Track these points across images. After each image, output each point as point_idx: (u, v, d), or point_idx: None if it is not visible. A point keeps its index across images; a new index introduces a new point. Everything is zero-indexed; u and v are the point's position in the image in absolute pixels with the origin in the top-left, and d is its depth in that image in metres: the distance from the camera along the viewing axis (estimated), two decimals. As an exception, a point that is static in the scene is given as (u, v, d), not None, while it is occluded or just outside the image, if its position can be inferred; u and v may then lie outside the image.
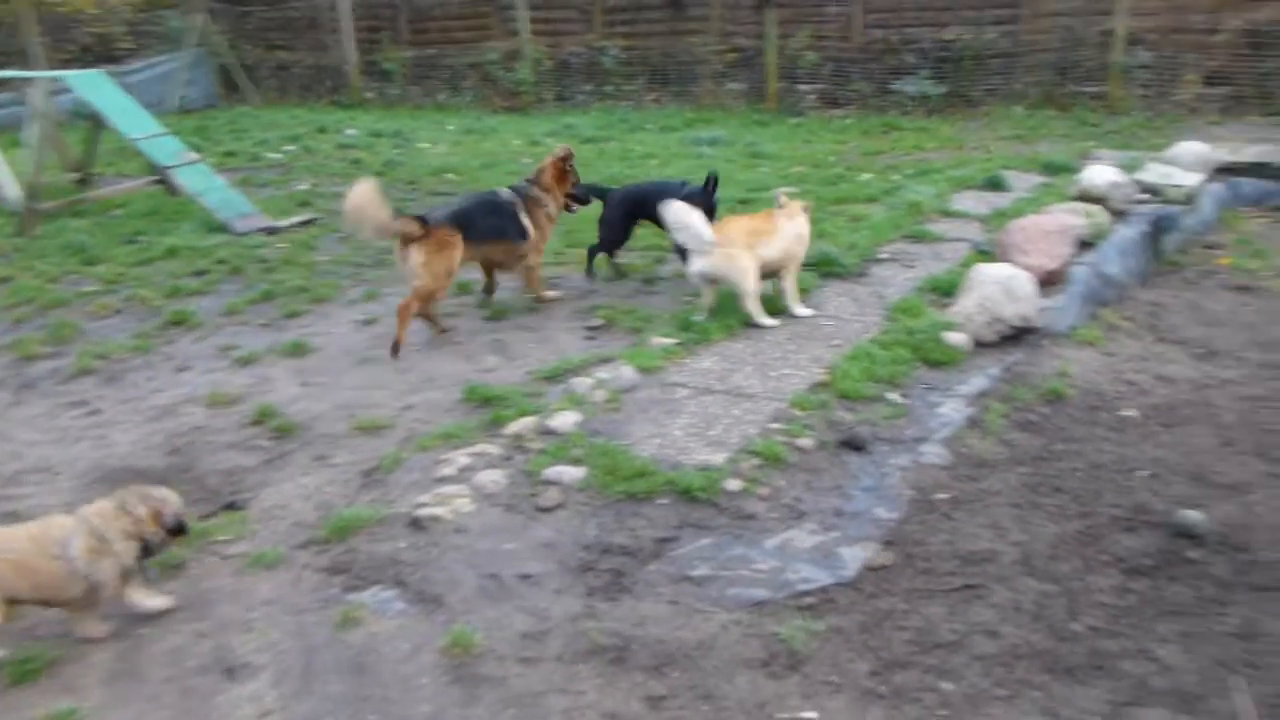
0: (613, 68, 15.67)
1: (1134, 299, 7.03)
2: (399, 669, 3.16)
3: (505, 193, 6.33)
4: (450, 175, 10.84)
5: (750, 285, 5.65)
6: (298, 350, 5.92)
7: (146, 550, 3.41)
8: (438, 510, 3.97)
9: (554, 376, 5.22)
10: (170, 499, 3.49)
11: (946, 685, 3.00)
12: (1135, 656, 3.10)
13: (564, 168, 6.43)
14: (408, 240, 5.79)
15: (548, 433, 4.52)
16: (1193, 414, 5.12)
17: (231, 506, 4.20)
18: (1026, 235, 6.51)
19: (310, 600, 3.55)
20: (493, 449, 4.44)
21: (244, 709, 3.03)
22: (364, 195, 5.61)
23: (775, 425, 4.47)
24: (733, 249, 5.59)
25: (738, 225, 5.76)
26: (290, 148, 13.13)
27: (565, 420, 4.56)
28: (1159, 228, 7.94)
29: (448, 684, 3.08)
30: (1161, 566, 3.57)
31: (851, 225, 7.56)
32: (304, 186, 10.74)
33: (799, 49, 14.15)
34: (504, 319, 6.35)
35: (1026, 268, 6.34)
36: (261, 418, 5.03)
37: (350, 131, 14.04)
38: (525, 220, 6.23)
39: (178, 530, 3.47)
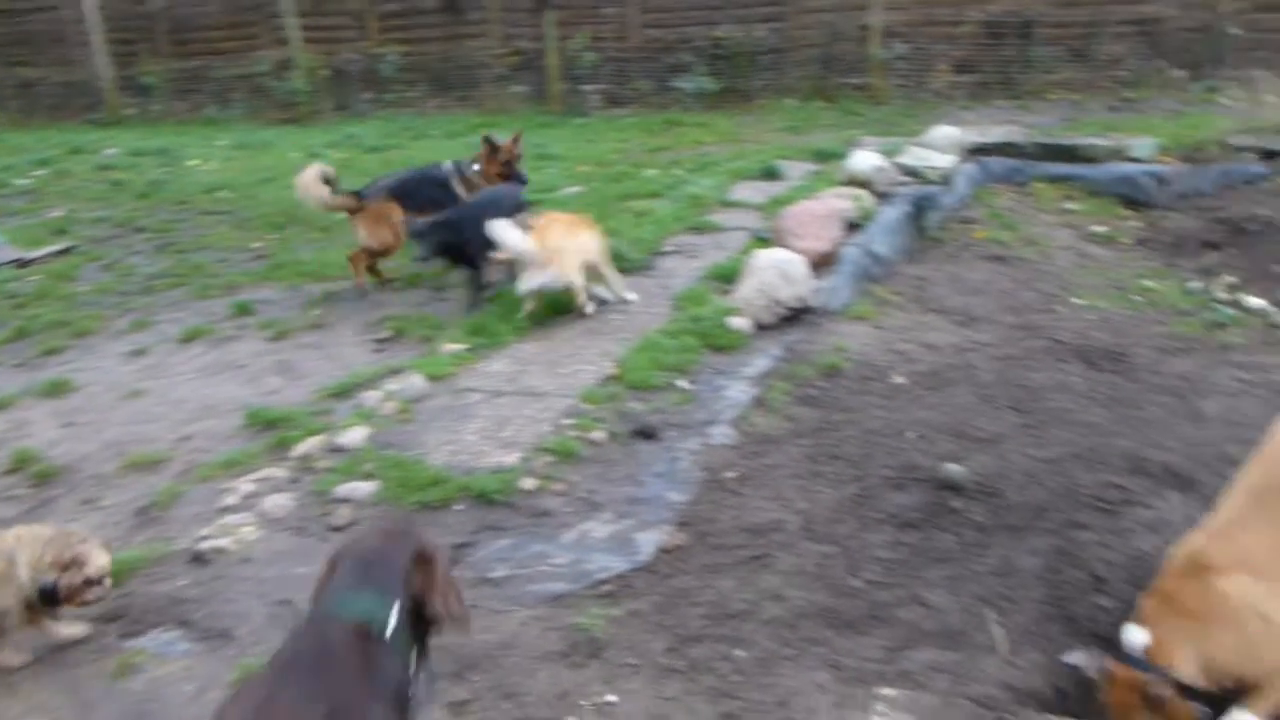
0: (392, 74, 15.33)
1: (901, 274, 7.51)
2: (184, 712, 3.00)
3: (447, 166, 6.97)
4: (224, 193, 10.33)
5: (581, 281, 5.81)
6: (58, 389, 5.49)
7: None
8: (221, 542, 3.79)
9: (342, 393, 5.07)
10: (78, 560, 3.15)
11: (739, 652, 3.13)
12: (908, 604, 3.33)
13: (491, 147, 6.93)
14: (351, 213, 6.68)
15: (337, 450, 4.39)
16: (955, 376, 5.53)
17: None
18: (799, 220, 6.85)
19: (83, 652, 3.31)
20: (279, 473, 4.28)
21: (9, 778, 2.80)
22: (308, 176, 6.59)
23: (567, 421, 4.52)
24: (562, 255, 5.63)
25: (558, 227, 5.78)
26: (41, 172, 12.13)
27: (355, 436, 4.45)
28: (920, 207, 8.51)
29: (238, 720, 2.95)
30: (929, 518, 3.85)
31: (637, 221, 7.72)
32: (59, 213, 9.95)
33: (579, 50, 14.30)
34: (287, 338, 6.11)
35: (801, 251, 6.67)
36: (19, 464, 4.65)
37: (109, 151, 13.11)
38: (460, 192, 6.80)
39: (44, 594, 3.13)
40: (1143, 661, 2.69)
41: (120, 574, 3.65)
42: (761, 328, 5.78)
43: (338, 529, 3.86)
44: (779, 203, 7.79)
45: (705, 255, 6.91)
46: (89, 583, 3.18)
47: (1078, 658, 2.87)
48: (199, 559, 3.73)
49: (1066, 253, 8.56)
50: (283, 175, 10.94)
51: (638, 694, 2.96)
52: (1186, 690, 2.67)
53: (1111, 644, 3.04)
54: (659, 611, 3.35)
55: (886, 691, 2.83)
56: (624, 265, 6.68)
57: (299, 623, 2.34)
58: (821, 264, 6.71)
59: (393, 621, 2.15)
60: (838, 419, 4.81)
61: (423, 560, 2.28)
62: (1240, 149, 9.45)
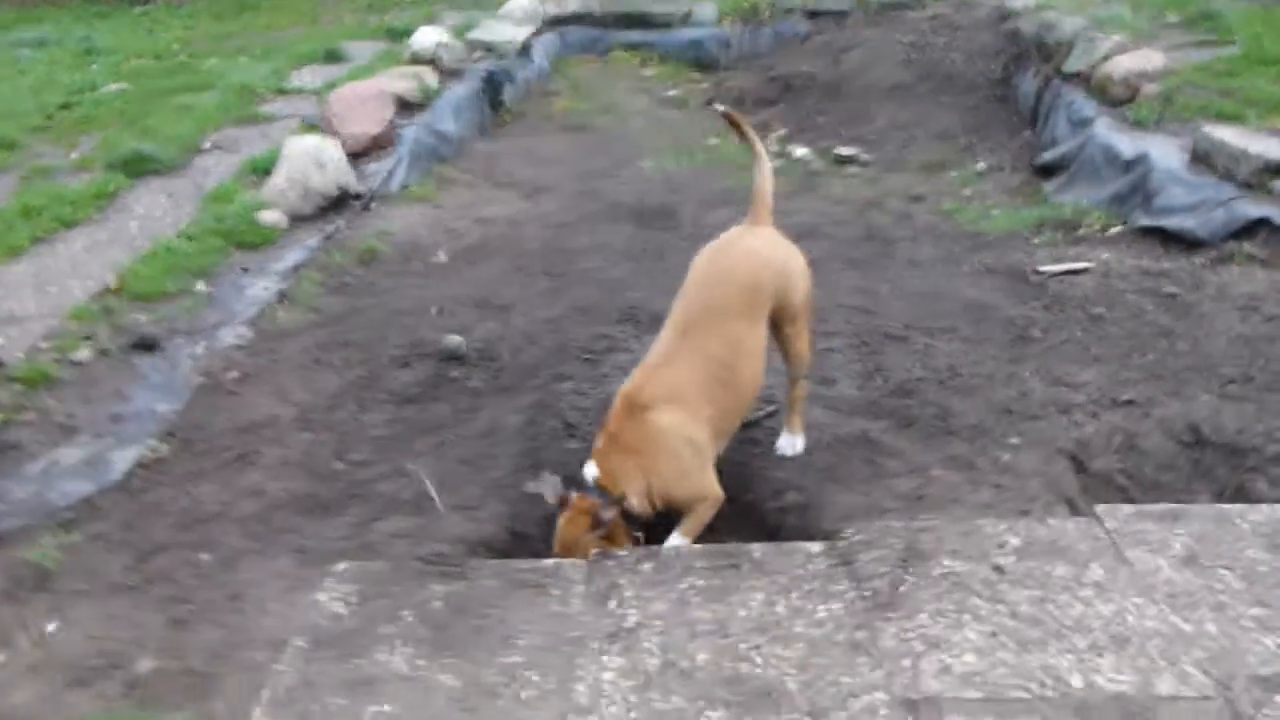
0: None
1: (474, 151, 7.47)
2: None
3: None
4: None
5: None
6: None
7: None
8: None
9: None
10: None
11: (204, 556, 3.03)
12: (389, 478, 3.37)
13: None
14: None
15: None
16: (500, 248, 5.60)
17: None
18: (346, 104, 6.57)
19: None
20: None
21: None
22: None
23: (45, 344, 4.09)
24: None
25: None
26: None
27: None
28: (494, 82, 8.46)
29: None
30: (428, 391, 3.90)
31: (178, 116, 7.08)
32: None
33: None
34: None
35: (349, 135, 6.43)
36: None
37: None
38: None
39: None
40: (595, 491, 2.86)
41: None
42: (298, 219, 5.53)
43: None
44: (335, 87, 7.43)
45: (248, 148, 6.47)
46: None
47: (536, 485, 2.96)
48: None
49: (641, 118, 8.89)
50: None
51: (82, 619, 2.79)
52: (628, 516, 2.89)
53: (577, 483, 3.25)
54: (124, 529, 3.16)
55: (339, 566, 2.85)
56: (152, 168, 6.13)
57: None
58: (374, 147, 6.52)
59: None
60: (365, 304, 4.73)
61: None
62: (789, 10, 10.15)
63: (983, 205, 6.50)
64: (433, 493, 3.18)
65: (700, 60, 10.02)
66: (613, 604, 2.64)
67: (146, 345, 4.21)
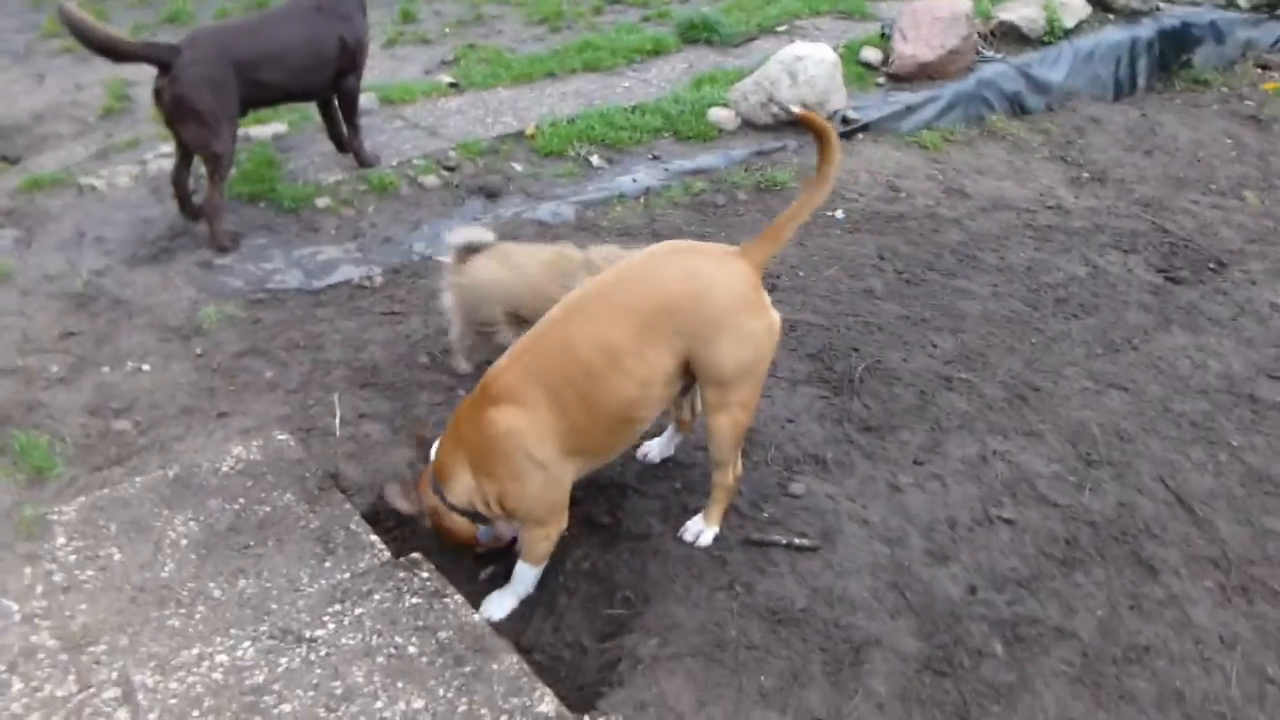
0: None
1: (1075, 111, 6.25)
2: None
3: None
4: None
5: None
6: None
7: None
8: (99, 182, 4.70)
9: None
10: None
11: (268, 372, 3.45)
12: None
13: None
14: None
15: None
16: (917, 229, 4.74)
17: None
18: (914, 20, 5.92)
19: None
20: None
21: None
22: None
23: (419, 161, 4.73)
24: None
25: None
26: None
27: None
28: (1178, 35, 6.78)
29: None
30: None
31: (806, -7, 7.06)
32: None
33: None
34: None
35: (899, 55, 5.89)
36: None
37: None
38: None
39: None
40: (435, 482, 2.58)
41: None
42: (751, 127, 5.33)
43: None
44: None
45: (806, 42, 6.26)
46: None
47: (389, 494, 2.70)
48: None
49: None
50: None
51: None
52: (471, 513, 2.52)
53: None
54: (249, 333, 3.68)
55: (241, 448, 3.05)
56: (710, 38, 6.34)
57: None
58: (920, 75, 5.87)
59: None
60: (680, 231, 4.47)
61: None
62: None
63: None
64: (337, 419, 3.13)
65: None
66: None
67: (488, 193, 4.63)
